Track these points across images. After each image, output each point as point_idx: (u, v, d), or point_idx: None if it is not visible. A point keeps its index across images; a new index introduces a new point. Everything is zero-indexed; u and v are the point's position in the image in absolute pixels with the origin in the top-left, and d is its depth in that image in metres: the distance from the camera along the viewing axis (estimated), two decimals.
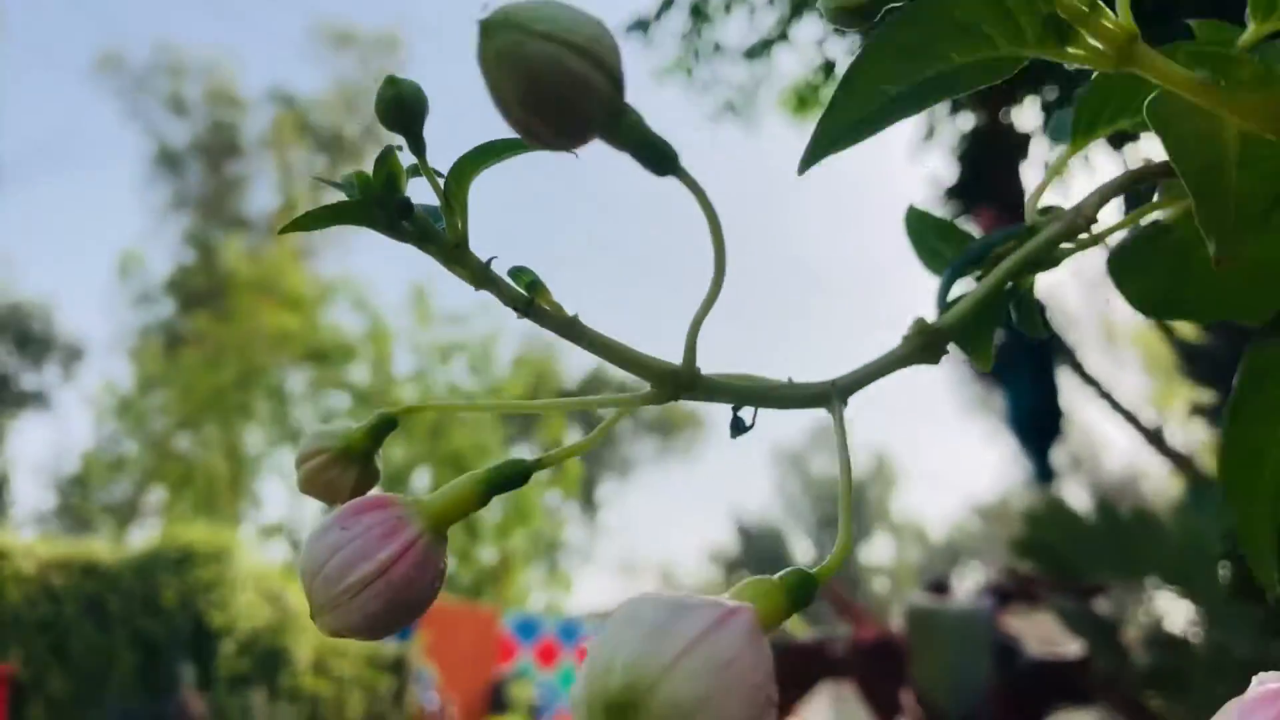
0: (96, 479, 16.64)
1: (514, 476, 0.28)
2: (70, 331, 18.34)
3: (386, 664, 9.56)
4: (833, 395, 0.27)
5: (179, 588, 8.27)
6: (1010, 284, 0.35)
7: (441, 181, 0.28)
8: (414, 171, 0.27)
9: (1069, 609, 1.87)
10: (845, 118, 0.26)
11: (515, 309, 0.27)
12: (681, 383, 0.27)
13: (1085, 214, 0.34)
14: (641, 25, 3.30)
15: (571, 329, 0.27)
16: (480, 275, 0.27)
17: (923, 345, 0.29)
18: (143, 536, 14.37)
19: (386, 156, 0.27)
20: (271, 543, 15.86)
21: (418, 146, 0.27)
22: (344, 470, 0.29)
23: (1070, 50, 0.24)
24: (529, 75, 0.21)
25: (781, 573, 0.23)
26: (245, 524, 15.76)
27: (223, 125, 18.44)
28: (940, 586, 2.18)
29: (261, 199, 19.10)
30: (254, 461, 15.84)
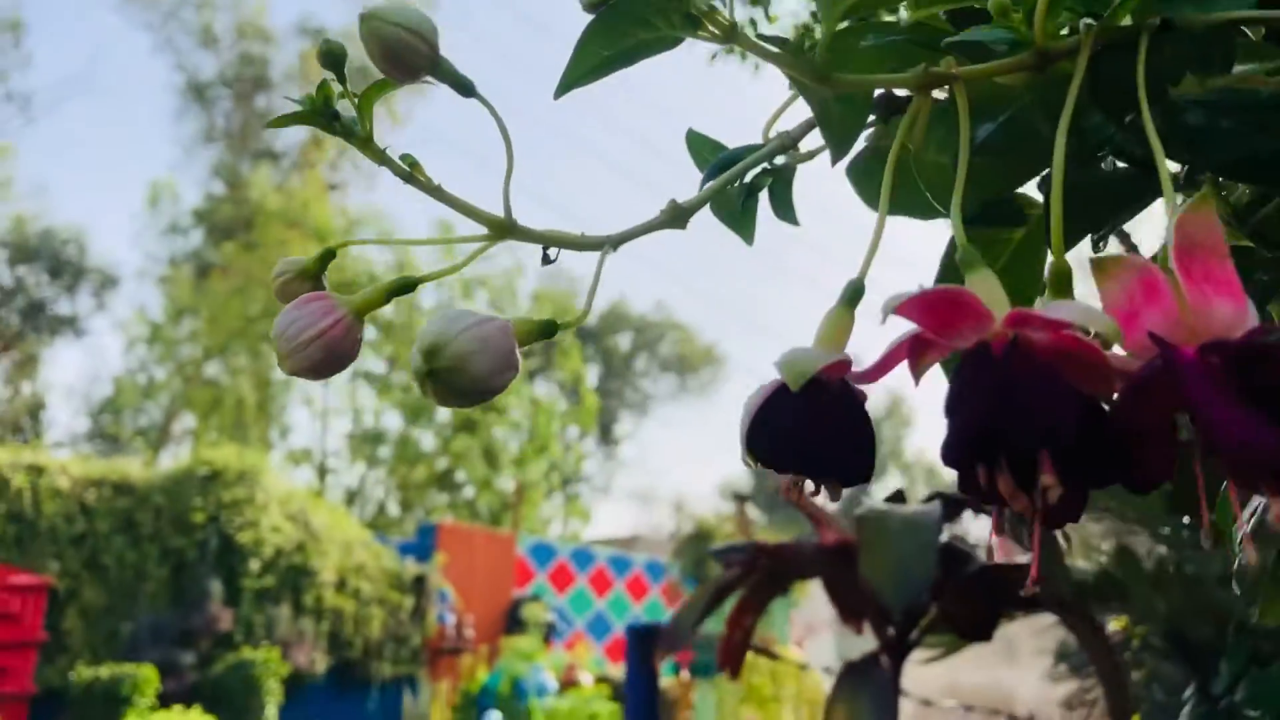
0: (128, 403, 17.05)
1: (404, 287, 0.44)
2: (102, 259, 18.63)
3: (407, 583, 9.84)
4: (605, 244, 0.43)
5: (208, 506, 8.55)
6: (749, 181, 0.51)
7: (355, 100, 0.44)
8: (342, 96, 0.44)
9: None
10: (578, 68, 0.42)
11: (401, 178, 0.43)
12: (505, 228, 0.43)
13: (793, 136, 0.50)
14: None
15: (435, 191, 0.44)
16: (379, 157, 0.44)
17: (672, 216, 0.45)
18: (173, 460, 14.72)
19: (322, 85, 0.43)
20: (299, 468, 16.25)
21: (342, 80, 0.43)
22: (302, 283, 0.45)
23: (699, 33, 0.40)
24: (385, 44, 0.38)
25: (542, 320, 0.40)
26: (274, 450, 16.13)
27: (251, 58, 18.55)
28: (898, 498, 2.34)
29: (289, 132, 19.23)
30: (281, 389, 16.20)
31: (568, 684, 9.24)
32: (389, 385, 16.24)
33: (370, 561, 9.66)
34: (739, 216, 0.52)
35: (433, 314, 0.38)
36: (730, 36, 0.39)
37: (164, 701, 7.46)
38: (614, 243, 0.43)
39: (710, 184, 0.46)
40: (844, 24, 0.39)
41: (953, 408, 0.32)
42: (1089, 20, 0.37)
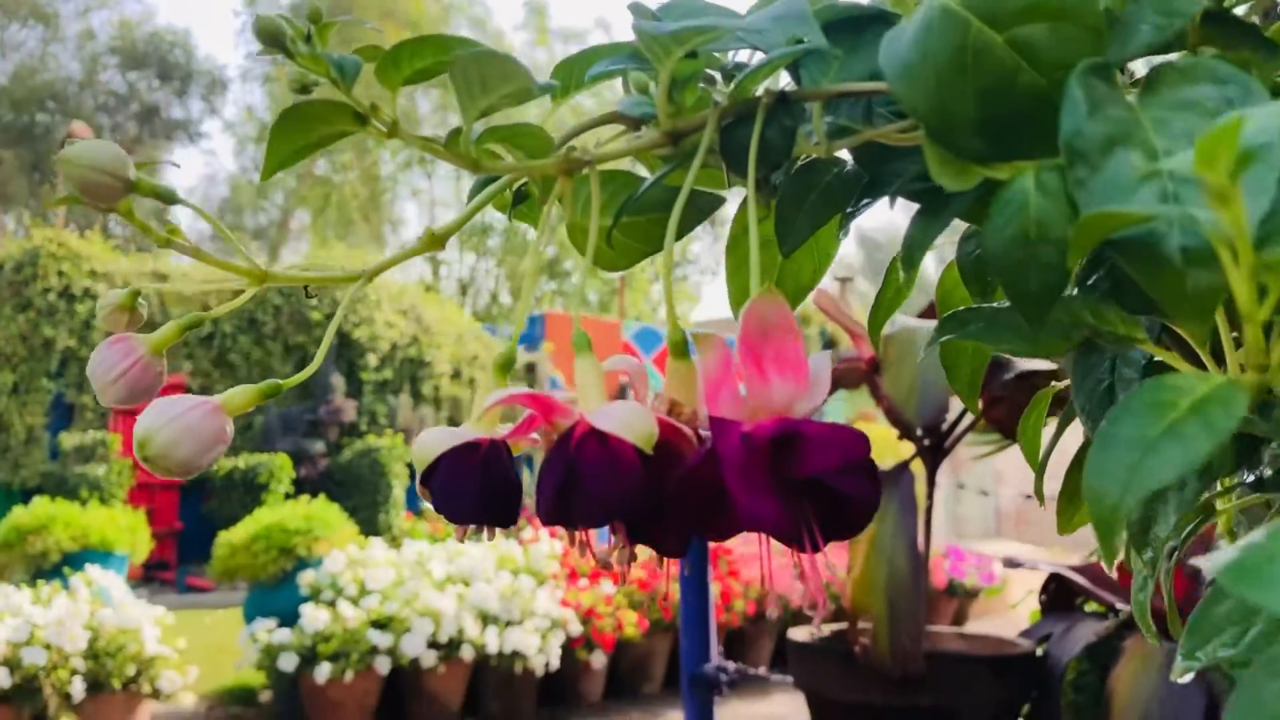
0: (245, 204, 17.63)
1: (194, 324, 0.51)
2: (209, 59, 18.88)
3: (519, 371, 10.22)
4: (361, 277, 0.49)
5: (323, 305, 8.93)
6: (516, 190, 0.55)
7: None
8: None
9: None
10: (275, 155, 0.47)
11: (158, 245, 0.50)
12: (261, 276, 0.49)
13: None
14: None
15: (195, 252, 0.50)
16: (140, 225, 0.50)
17: (429, 241, 0.50)
18: (290, 258, 15.29)
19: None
20: (411, 263, 16.72)
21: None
22: (121, 313, 0.52)
23: (368, 128, 0.44)
24: (79, 183, 0.44)
25: (261, 384, 0.47)
26: (387, 245, 16.60)
27: None
28: (931, 313, 2.37)
29: None
30: (389, 183, 16.50)
31: None
32: None
33: (482, 352, 10.05)
34: (519, 213, 0.56)
35: (152, 406, 0.45)
36: (394, 133, 0.44)
37: (298, 486, 8.05)
38: (370, 276, 0.49)
39: (467, 207, 0.51)
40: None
41: (539, 482, 0.38)
42: (718, 98, 0.41)
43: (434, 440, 0.40)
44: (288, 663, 4.29)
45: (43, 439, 7.98)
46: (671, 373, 0.40)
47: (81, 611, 4.07)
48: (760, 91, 0.41)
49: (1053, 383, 0.65)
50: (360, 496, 8.05)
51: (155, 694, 4.15)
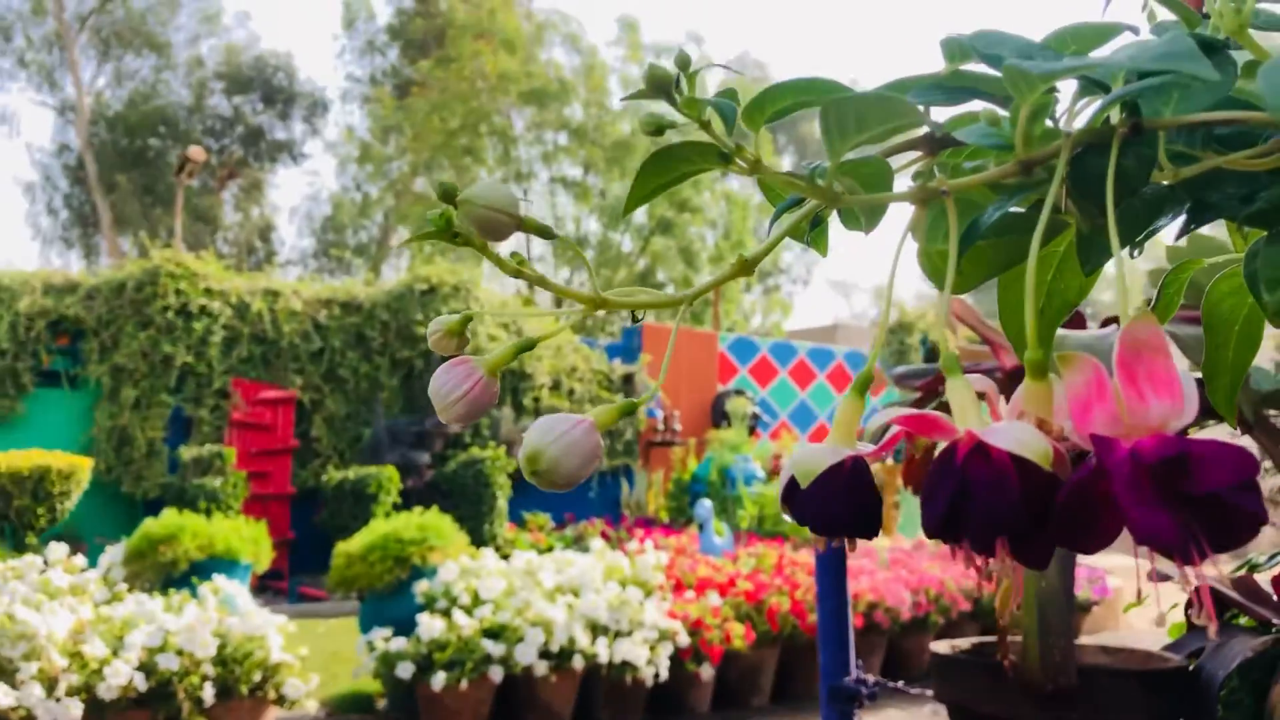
0: (347, 221, 18.04)
1: (527, 347, 0.54)
2: (310, 82, 19.40)
3: (616, 382, 10.30)
4: (684, 301, 0.52)
5: (428, 320, 9.11)
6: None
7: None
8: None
9: (1186, 334, 2.01)
10: (638, 193, 0.50)
11: (509, 275, 0.53)
12: (598, 302, 0.52)
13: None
14: None
15: (540, 280, 0.53)
16: (494, 259, 0.53)
17: (741, 267, 0.53)
18: (390, 274, 15.61)
19: (443, 212, 0.52)
20: (508, 276, 16.93)
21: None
22: (449, 339, 0.56)
23: (730, 167, 0.47)
24: (478, 221, 0.47)
25: (620, 404, 0.50)
26: (484, 260, 16.86)
27: None
28: (1077, 321, 2.34)
29: None
30: None
31: (774, 472, 9.56)
32: (586, 190, 16.51)
33: (581, 364, 10.15)
34: (814, 239, 0.58)
35: (537, 423, 0.48)
36: (755, 169, 0.47)
37: (405, 497, 8.20)
38: (689, 300, 0.52)
39: (772, 235, 0.54)
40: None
41: (926, 498, 0.41)
42: (1067, 129, 0.43)
43: (814, 456, 0.43)
44: (404, 670, 4.37)
45: (162, 452, 8.26)
46: (1031, 393, 0.42)
47: (210, 619, 4.21)
48: (1113, 120, 0.43)
49: None
50: (465, 507, 8.16)
51: (280, 700, 4.26)
